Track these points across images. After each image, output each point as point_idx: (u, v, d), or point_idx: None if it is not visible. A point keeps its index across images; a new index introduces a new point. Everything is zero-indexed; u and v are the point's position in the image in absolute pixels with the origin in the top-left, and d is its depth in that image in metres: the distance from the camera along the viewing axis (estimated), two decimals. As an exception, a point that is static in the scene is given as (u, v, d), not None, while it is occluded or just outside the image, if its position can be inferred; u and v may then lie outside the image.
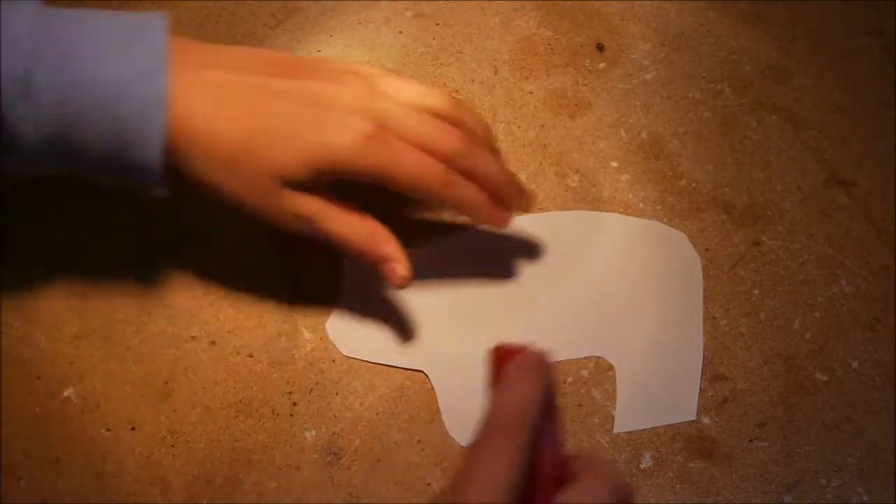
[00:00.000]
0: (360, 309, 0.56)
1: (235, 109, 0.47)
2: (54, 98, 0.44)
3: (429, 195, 0.49)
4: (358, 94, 0.48)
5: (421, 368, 0.54)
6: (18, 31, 0.44)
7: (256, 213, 0.49)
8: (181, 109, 0.46)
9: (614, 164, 0.61)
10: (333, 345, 0.55)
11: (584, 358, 0.54)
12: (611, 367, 0.54)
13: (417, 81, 0.52)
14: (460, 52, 0.65)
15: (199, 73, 0.47)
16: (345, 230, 0.49)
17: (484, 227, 0.56)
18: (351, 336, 0.55)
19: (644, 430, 0.53)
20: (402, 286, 0.50)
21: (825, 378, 0.54)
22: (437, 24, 0.66)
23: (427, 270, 0.56)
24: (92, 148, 0.46)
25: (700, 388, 0.54)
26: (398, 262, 0.50)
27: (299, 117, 0.47)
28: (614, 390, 0.54)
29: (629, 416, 0.53)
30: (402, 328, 0.55)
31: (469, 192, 0.49)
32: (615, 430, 0.53)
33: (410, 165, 0.48)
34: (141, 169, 0.47)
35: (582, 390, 0.54)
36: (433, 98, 0.51)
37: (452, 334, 0.55)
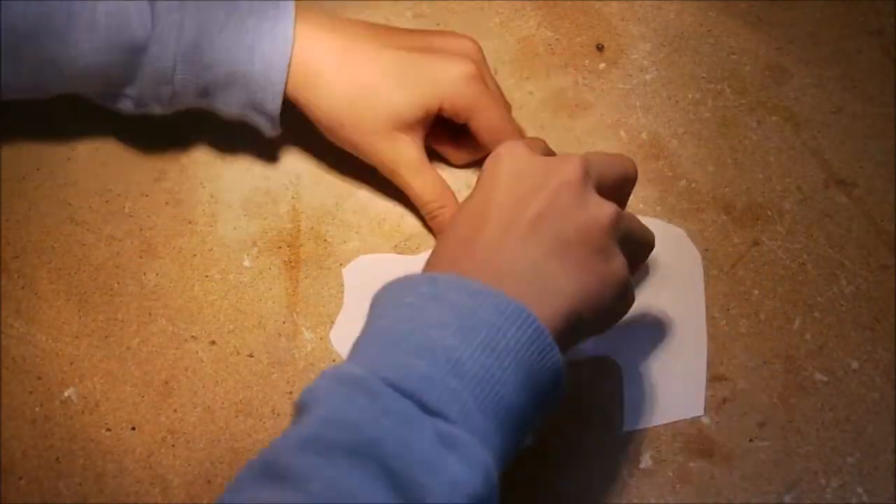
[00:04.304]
0: (363, 318, 0.56)
1: (359, 57, 0.56)
2: (197, 11, 0.54)
3: (498, 141, 0.53)
4: (464, 45, 0.58)
5: None
6: None
7: (363, 151, 0.57)
8: (310, 54, 0.55)
9: (614, 164, 0.61)
10: (337, 352, 0.55)
11: (589, 357, 0.54)
12: (615, 366, 0.54)
13: None
14: (460, 53, 0.65)
15: (326, 30, 0.56)
16: (419, 182, 0.57)
17: None
18: None
19: (644, 429, 0.53)
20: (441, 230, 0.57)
21: (825, 378, 0.54)
22: (438, 24, 0.66)
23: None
24: (223, 62, 0.55)
25: (701, 387, 0.54)
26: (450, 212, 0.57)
27: (414, 62, 0.56)
28: (619, 389, 0.54)
29: (637, 414, 0.53)
30: None
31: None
32: (624, 429, 0.52)
33: (499, 112, 0.57)
34: (264, 88, 0.55)
35: (586, 390, 0.54)
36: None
37: None
